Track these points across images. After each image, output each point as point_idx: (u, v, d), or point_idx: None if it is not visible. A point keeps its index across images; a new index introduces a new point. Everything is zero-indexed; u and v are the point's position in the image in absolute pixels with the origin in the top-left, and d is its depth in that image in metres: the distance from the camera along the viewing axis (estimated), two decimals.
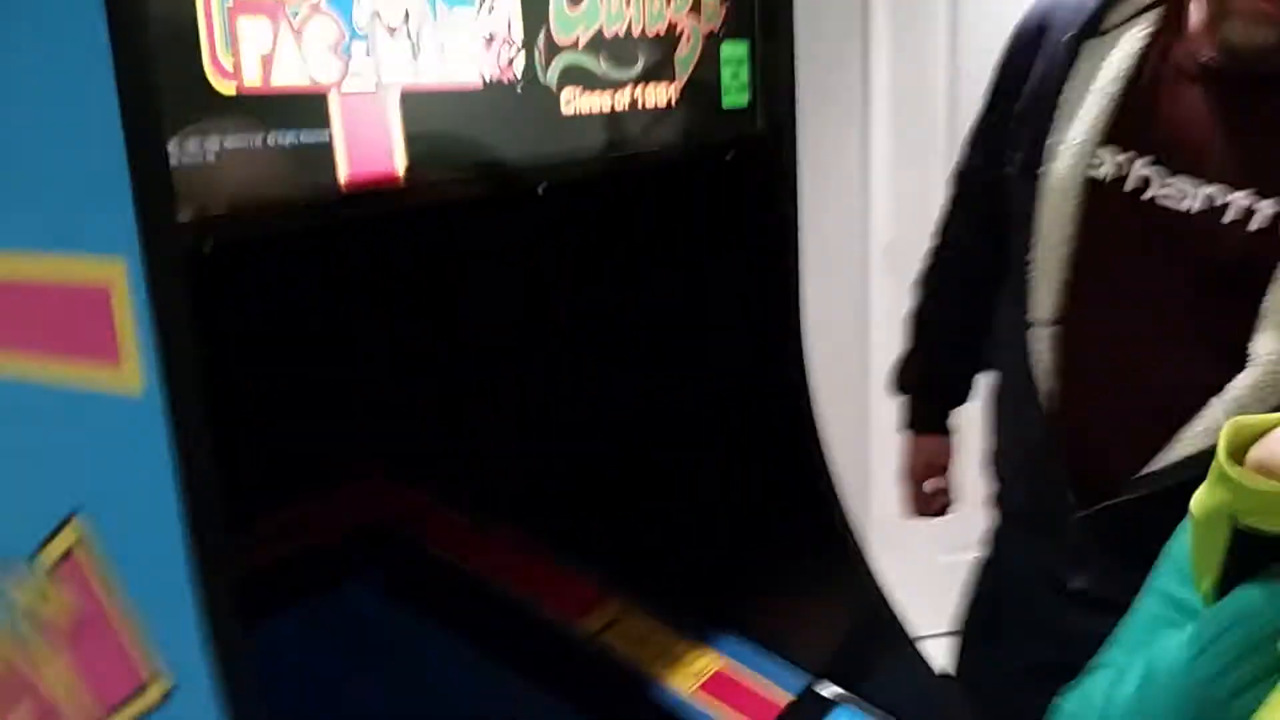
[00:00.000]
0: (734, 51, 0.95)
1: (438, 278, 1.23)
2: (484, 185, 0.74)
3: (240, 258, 0.61)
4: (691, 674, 1.09)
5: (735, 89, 0.96)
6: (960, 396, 1.60)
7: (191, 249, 0.55)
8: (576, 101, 0.79)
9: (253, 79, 0.58)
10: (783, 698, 1.08)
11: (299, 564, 1.18)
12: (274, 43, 0.59)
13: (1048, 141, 1.17)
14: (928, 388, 1.60)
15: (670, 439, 1.16)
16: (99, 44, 0.50)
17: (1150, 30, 1.13)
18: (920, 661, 1.06)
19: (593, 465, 1.21)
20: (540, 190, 0.78)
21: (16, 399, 0.60)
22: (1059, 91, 1.16)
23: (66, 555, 0.63)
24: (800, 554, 1.10)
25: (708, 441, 1.14)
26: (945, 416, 1.62)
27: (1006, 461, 1.53)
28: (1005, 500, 1.56)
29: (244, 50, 0.57)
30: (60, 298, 0.55)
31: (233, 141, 0.57)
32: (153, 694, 0.62)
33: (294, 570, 1.17)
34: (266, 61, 0.59)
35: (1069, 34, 1.16)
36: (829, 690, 1.09)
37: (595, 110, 0.81)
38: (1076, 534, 1.20)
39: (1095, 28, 1.14)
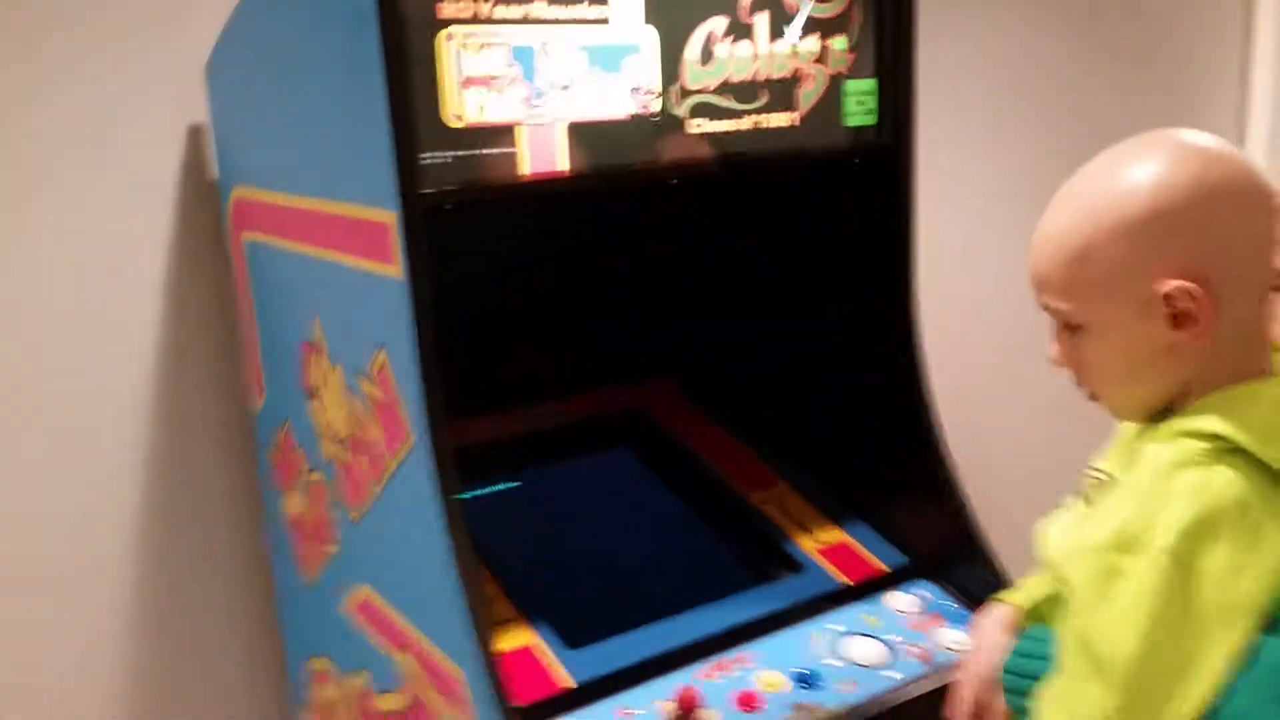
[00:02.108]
0: (860, 86, 1.30)
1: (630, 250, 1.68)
2: (628, 179, 1.19)
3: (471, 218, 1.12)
4: (820, 541, 1.48)
5: (861, 113, 1.31)
6: None
7: (432, 207, 1.07)
8: (704, 125, 1.21)
9: (473, 118, 1.08)
10: (882, 568, 1.43)
11: (575, 430, 1.70)
12: (486, 99, 1.08)
13: None
14: None
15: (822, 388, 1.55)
16: (381, 105, 1.02)
17: None
18: (989, 562, 1.36)
19: (783, 394, 1.61)
20: (674, 182, 1.21)
21: (350, 277, 1.16)
22: None
23: (381, 367, 1.19)
24: (911, 475, 1.44)
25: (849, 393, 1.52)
26: None
27: None
28: None
29: (467, 104, 1.07)
30: (368, 227, 1.09)
31: (459, 151, 1.08)
32: (409, 444, 1.16)
33: (569, 435, 1.69)
34: (481, 109, 1.08)
35: None
36: (915, 568, 1.42)
37: (720, 131, 1.22)
38: None
39: None
